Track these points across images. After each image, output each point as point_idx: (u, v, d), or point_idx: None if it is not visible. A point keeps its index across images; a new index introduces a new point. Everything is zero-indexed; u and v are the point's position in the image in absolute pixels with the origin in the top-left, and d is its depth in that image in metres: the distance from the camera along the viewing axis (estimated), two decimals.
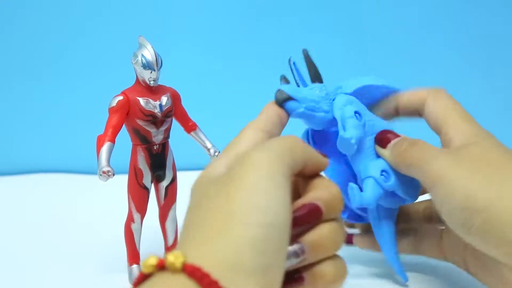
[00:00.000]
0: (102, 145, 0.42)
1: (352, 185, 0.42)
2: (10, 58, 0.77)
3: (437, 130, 0.42)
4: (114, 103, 0.43)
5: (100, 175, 0.41)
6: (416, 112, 0.44)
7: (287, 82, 0.45)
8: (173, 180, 0.47)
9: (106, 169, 0.41)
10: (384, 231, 0.46)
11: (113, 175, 0.41)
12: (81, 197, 0.70)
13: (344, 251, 0.33)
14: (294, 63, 0.45)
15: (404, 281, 0.46)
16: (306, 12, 0.77)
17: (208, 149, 0.48)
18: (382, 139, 0.43)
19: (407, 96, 0.45)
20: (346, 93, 0.44)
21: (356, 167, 0.45)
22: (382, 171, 0.43)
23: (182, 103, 0.47)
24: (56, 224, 0.61)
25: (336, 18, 0.77)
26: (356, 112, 0.43)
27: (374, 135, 0.44)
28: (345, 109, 0.43)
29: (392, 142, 0.42)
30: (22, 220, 0.62)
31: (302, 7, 0.77)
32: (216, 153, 0.48)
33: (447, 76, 0.78)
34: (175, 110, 0.46)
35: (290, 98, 0.42)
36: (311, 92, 0.43)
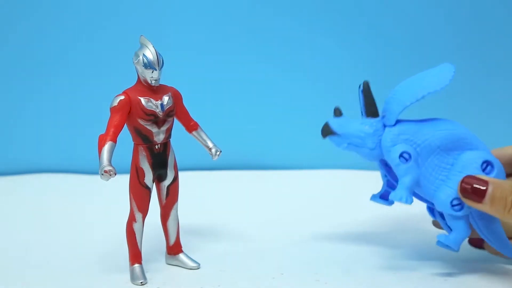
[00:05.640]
0: (103, 145, 0.42)
1: (439, 240, 0.43)
2: (10, 58, 0.77)
3: None
4: (115, 103, 0.43)
5: (102, 174, 0.40)
6: None
7: (340, 114, 0.45)
8: (175, 179, 0.47)
9: (107, 168, 0.40)
10: (493, 230, 0.45)
11: (115, 174, 0.41)
12: (82, 197, 0.70)
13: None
14: (361, 91, 0.45)
15: None
16: (309, 11, 0.77)
17: (210, 149, 0.48)
18: (472, 192, 0.41)
19: None
20: (390, 126, 0.44)
21: (421, 192, 0.44)
22: (452, 201, 0.43)
23: (184, 102, 0.47)
24: (57, 224, 0.60)
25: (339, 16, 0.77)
26: (401, 155, 0.42)
27: (434, 154, 0.43)
28: (391, 154, 0.43)
29: (488, 196, 0.40)
30: (22, 220, 0.62)
31: (306, 7, 0.77)
32: (218, 153, 0.48)
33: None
34: (177, 110, 0.46)
35: (333, 133, 0.44)
36: (359, 127, 0.44)
